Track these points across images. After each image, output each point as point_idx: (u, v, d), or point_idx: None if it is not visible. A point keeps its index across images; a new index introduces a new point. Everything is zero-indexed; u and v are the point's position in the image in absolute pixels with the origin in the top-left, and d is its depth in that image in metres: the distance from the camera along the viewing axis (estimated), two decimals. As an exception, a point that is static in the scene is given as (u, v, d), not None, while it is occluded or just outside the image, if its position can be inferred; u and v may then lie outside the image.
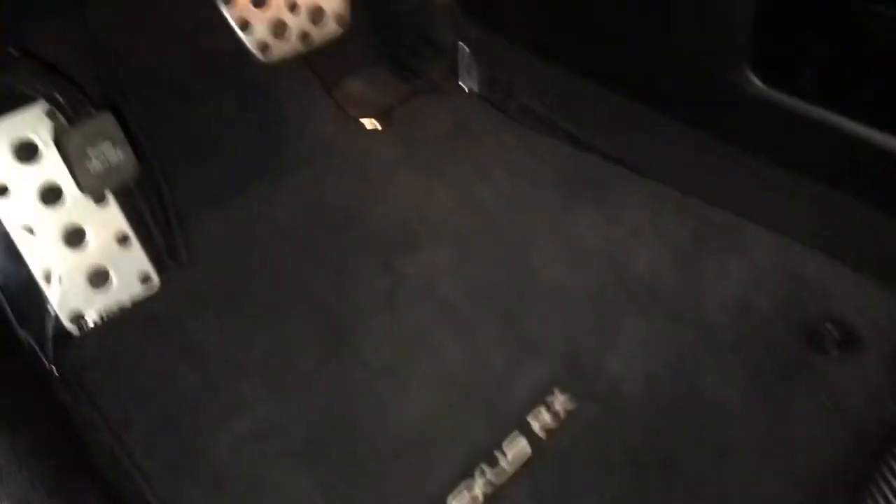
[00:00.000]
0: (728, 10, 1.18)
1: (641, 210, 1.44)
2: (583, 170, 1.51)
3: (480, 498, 1.12)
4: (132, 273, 1.20)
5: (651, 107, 1.38)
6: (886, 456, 1.11)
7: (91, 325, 1.17)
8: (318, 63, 1.49)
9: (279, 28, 1.28)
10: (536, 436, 1.17)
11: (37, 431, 0.99)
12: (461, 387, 1.21)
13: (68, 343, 1.15)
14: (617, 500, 1.14)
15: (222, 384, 1.17)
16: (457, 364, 1.24)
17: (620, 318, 1.31)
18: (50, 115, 1.13)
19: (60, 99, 1.11)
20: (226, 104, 1.40)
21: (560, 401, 1.21)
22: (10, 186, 1.12)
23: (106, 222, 1.19)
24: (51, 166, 1.14)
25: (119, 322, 1.18)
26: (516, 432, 1.17)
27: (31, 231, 1.13)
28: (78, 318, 1.16)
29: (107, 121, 1.12)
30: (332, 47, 1.36)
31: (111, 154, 1.11)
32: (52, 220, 1.15)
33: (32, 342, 1.12)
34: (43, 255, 1.14)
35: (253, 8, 1.25)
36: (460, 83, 1.62)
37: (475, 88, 1.62)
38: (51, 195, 1.15)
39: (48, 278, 1.14)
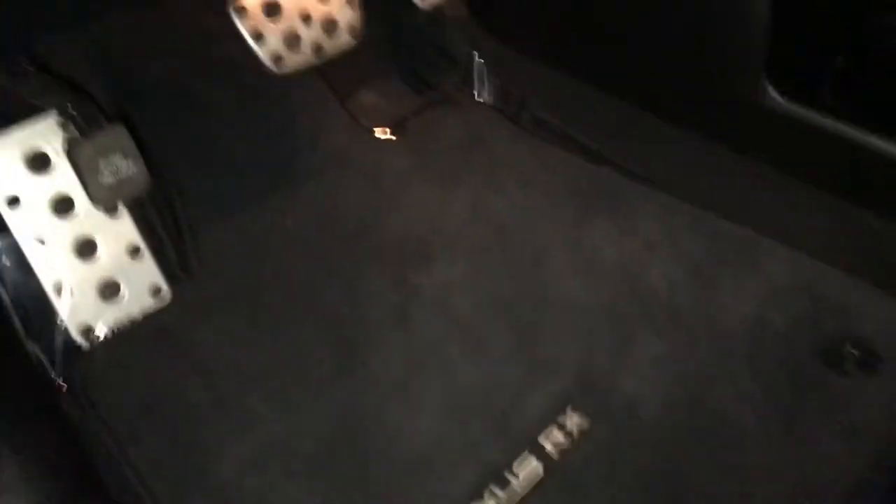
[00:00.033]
0: (745, 21, 1.17)
1: (656, 223, 1.43)
2: (597, 182, 1.50)
3: (491, 520, 1.11)
4: (143, 285, 1.20)
5: (666, 118, 1.37)
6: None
7: (101, 338, 1.16)
8: (332, 74, 1.49)
9: (292, 39, 1.27)
10: (549, 456, 1.16)
11: (44, 447, 0.98)
12: (473, 404, 1.20)
13: (77, 356, 1.14)
14: None
15: (231, 399, 1.16)
16: (469, 381, 1.22)
17: (634, 334, 1.29)
18: (62, 125, 1.13)
19: (73, 111, 1.10)
20: (238, 116, 1.40)
21: (573, 420, 1.19)
22: (21, 197, 1.11)
23: (117, 234, 1.18)
24: (63, 177, 1.13)
25: (129, 335, 1.18)
26: (528, 452, 1.15)
27: (42, 242, 1.13)
28: (88, 331, 1.15)
29: (119, 133, 1.11)
30: (346, 58, 1.35)
31: (123, 167, 1.11)
32: (64, 232, 1.14)
33: (41, 355, 1.12)
34: (53, 266, 1.13)
35: (266, 19, 1.24)
36: (474, 94, 1.61)
37: (489, 100, 1.61)
38: (62, 206, 1.14)
39: (58, 290, 1.14)
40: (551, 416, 1.19)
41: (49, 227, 1.13)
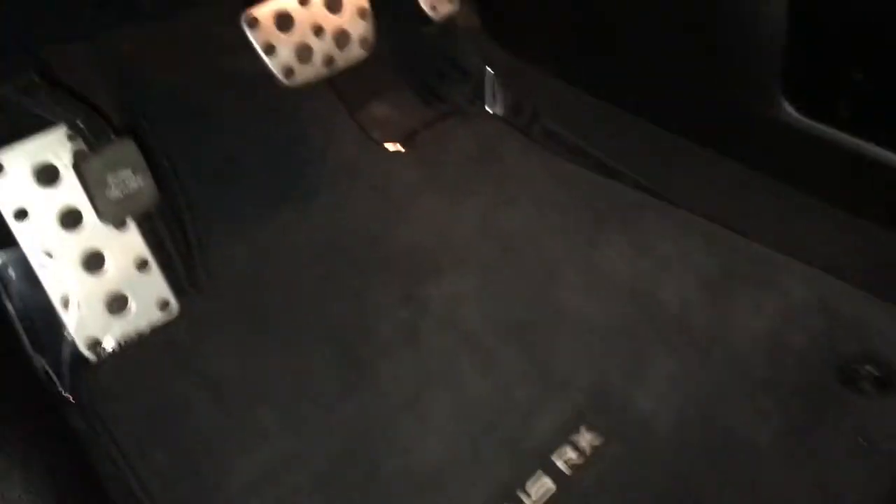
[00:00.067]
0: (761, 36, 1.16)
1: (670, 240, 1.41)
2: (609, 196, 1.48)
3: (502, 540, 1.09)
4: (151, 299, 1.19)
5: (680, 133, 1.36)
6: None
7: (108, 351, 1.15)
8: (342, 86, 1.48)
9: (304, 52, 1.26)
10: (561, 473, 1.14)
11: (51, 462, 0.97)
12: (483, 422, 1.18)
13: (85, 370, 1.13)
14: None
15: (239, 415, 1.15)
16: (479, 398, 1.21)
17: (648, 351, 1.27)
18: (71, 139, 1.12)
19: (81, 125, 1.10)
20: (249, 128, 1.39)
21: (586, 438, 1.17)
22: (29, 210, 1.11)
23: (125, 247, 1.18)
24: (71, 190, 1.13)
25: (137, 348, 1.17)
26: (540, 472, 1.14)
27: (49, 255, 1.12)
28: (95, 345, 1.14)
29: (128, 147, 1.11)
30: (357, 71, 1.34)
31: (131, 181, 1.10)
32: (72, 245, 1.14)
33: (48, 368, 1.11)
34: (61, 279, 1.13)
35: (278, 32, 1.23)
36: (485, 107, 1.60)
37: (500, 112, 1.60)
38: (70, 219, 1.14)
39: (66, 303, 1.13)
40: (564, 435, 1.17)
41: (57, 239, 1.13)
